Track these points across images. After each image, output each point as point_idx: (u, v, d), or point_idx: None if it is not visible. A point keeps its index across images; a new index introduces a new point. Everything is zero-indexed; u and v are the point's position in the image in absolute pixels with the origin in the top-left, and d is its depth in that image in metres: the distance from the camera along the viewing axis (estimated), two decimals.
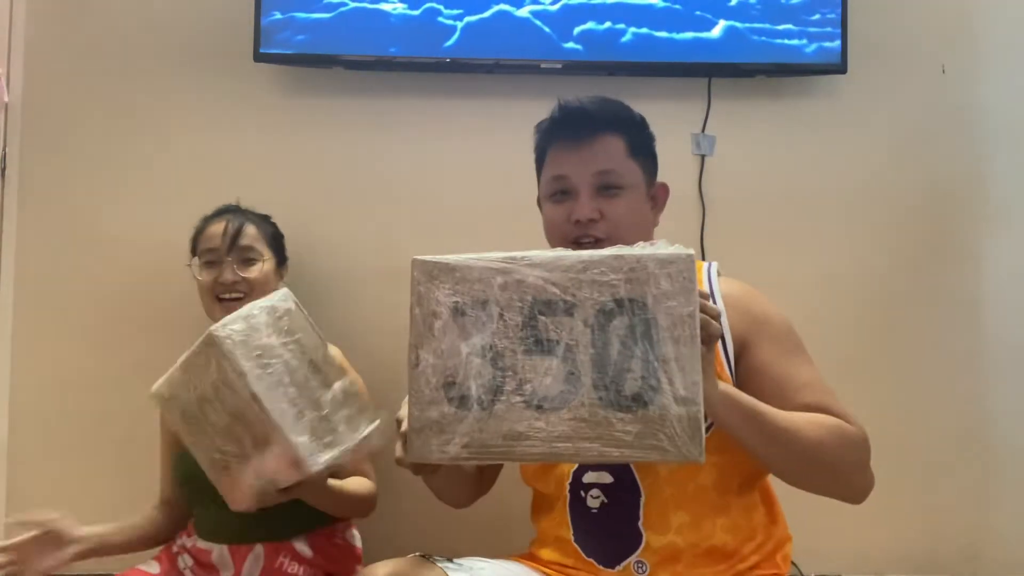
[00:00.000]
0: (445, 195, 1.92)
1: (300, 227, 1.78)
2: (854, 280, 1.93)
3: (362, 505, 1.52)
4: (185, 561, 1.57)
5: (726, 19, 1.86)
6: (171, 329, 1.78)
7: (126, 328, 1.88)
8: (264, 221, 1.71)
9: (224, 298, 1.60)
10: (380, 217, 1.92)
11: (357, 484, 1.50)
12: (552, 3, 1.85)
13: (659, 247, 0.99)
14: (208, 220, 1.68)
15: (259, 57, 1.84)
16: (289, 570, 1.52)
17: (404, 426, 1.03)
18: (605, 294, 0.97)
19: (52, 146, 1.92)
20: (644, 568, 1.21)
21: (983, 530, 1.91)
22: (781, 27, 1.86)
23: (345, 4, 1.85)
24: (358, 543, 1.63)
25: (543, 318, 0.98)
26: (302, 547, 1.54)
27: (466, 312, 0.99)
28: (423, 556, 1.20)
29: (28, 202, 1.92)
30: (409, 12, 1.85)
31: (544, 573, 1.28)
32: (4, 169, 1.91)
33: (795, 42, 1.86)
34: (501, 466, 1.37)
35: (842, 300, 1.92)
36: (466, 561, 1.23)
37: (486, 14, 1.85)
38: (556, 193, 1.31)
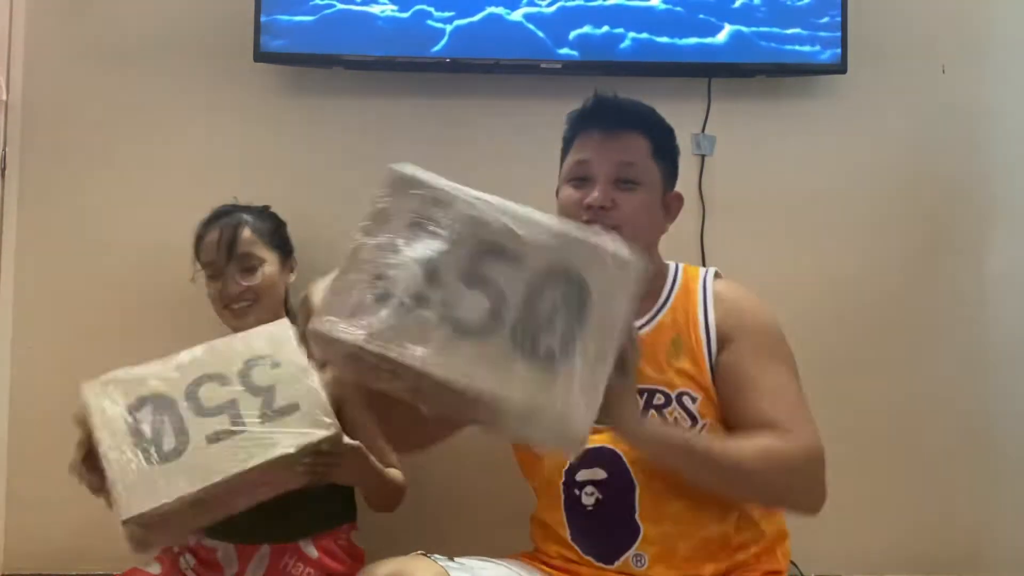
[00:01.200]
0: None
1: (299, 226, 1.77)
2: (854, 280, 1.92)
3: (397, 493, 1.52)
4: (187, 561, 1.56)
5: (731, 23, 1.81)
6: (171, 328, 1.78)
7: (126, 328, 1.88)
8: (261, 217, 1.68)
9: (233, 307, 1.61)
10: None
11: (393, 472, 1.51)
12: (548, 5, 1.82)
13: (618, 245, 1.02)
14: (205, 227, 1.66)
15: (259, 56, 1.83)
16: (294, 571, 1.52)
17: (316, 299, 1.02)
18: (555, 262, 0.99)
19: (52, 146, 1.92)
20: (643, 561, 1.21)
21: (983, 530, 1.91)
22: (790, 31, 1.82)
23: (332, 6, 1.81)
24: (361, 544, 1.63)
25: (490, 259, 0.99)
26: (308, 548, 1.54)
27: (423, 227, 1.00)
28: (424, 554, 1.21)
29: (28, 202, 1.91)
30: (398, 14, 1.81)
31: (545, 572, 1.29)
32: (4, 169, 1.90)
33: (807, 48, 1.81)
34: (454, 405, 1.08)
35: (842, 300, 1.92)
36: (467, 560, 1.23)
37: (476, 17, 1.81)
38: (576, 178, 1.32)
